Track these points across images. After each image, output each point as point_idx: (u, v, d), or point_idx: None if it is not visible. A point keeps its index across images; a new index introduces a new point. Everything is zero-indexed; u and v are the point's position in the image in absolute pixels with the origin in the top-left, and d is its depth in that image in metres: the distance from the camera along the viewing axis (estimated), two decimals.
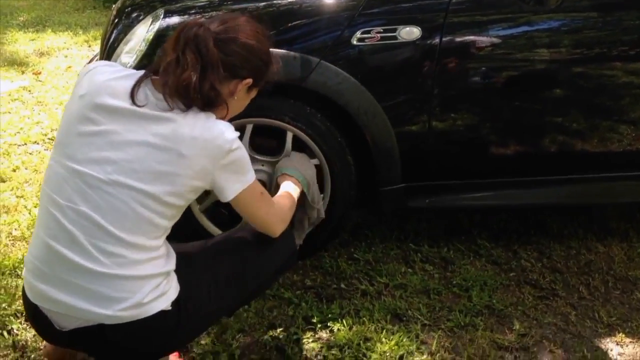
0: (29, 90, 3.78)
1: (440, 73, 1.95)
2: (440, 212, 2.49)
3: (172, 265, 1.38)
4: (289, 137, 1.97)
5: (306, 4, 1.98)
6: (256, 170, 1.95)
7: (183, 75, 1.28)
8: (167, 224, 1.35)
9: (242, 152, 1.36)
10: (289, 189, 1.73)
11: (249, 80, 1.40)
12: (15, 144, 3.05)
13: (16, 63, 4.28)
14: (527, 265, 2.22)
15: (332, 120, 1.98)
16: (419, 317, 1.94)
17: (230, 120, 1.41)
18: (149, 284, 1.30)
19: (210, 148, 1.30)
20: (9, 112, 3.44)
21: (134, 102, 1.29)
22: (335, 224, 2.14)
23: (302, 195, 1.83)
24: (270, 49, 1.46)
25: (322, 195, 2.02)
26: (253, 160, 1.96)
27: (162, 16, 1.98)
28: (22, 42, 4.82)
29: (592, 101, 2.11)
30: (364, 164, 2.07)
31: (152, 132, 1.28)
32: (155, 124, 1.28)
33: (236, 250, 1.55)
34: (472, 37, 1.95)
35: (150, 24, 1.98)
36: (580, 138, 2.15)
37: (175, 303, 1.35)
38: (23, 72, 4.12)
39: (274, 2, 2.01)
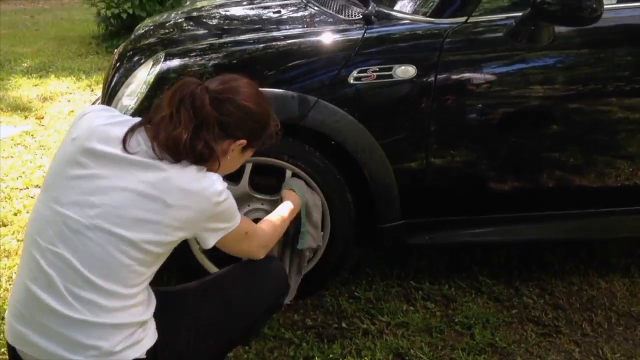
0: (32, 135, 3.82)
1: (437, 110, 1.97)
2: (441, 249, 2.48)
3: (149, 314, 1.36)
4: (288, 175, 1.99)
5: (304, 45, 2.02)
6: (255, 209, 2.01)
7: (174, 132, 1.29)
8: (146, 272, 1.32)
9: (230, 201, 1.37)
10: (284, 210, 1.74)
11: (243, 142, 1.41)
12: (17, 188, 3.06)
13: (19, 108, 4.33)
14: (529, 302, 2.20)
15: (330, 158, 2.00)
16: (422, 356, 1.91)
17: None
18: (121, 333, 1.28)
19: (198, 200, 1.30)
20: (12, 157, 3.47)
21: (125, 149, 1.29)
22: (335, 262, 2.13)
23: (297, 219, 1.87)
24: (271, 114, 1.48)
25: (322, 233, 2.03)
26: (252, 199, 2.00)
27: (162, 59, 2.02)
28: (25, 88, 4.90)
29: (588, 137, 2.13)
30: (363, 201, 2.08)
31: (139, 179, 1.27)
32: (143, 172, 1.28)
33: (220, 292, 1.52)
34: (466, 75, 1.98)
35: (152, 67, 2.02)
36: (578, 173, 2.16)
37: (151, 351, 1.33)
38: (26, 117, 4.17)
39: (273, 43, 2.05)
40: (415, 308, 2.16)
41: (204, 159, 1.33)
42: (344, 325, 2.07)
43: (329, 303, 2.17)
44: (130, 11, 6.16)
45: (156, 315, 1.37)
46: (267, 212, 1.98)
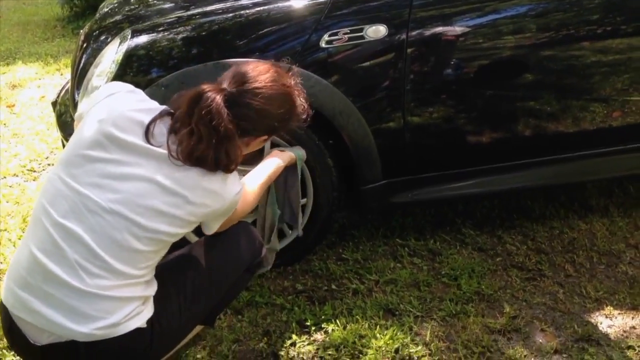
0: (4, 124, 3.76)
1: (410, 68, 1.97)
2: (424, 205, 2.51)
3: (152, 290, 1.40)
4: (267, 144, 1.99)
5: (273, 12, 2.00)
6: None
7: (199, 146, 1.31)
8: (154, 257, 1.38)
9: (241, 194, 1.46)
10: (268, 169, 1.76)
11: (264, 137, 1.49)
12: None
13: None
14: (512, 249, 2.26)
15: (308, 124, 2.00)
16: (411, 309, 1.96)
17: None
18: (127, 307, 1.32)
19: (219, 200, 1.38)
20: None
21: (147, 139, 1.32)
22: (320, 226, 2.15)
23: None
24: (296, 103, 1.49)
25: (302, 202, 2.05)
26: None
27: (129, 36, 1.98)
28: None
29: (562, 82, 2.15)
30: (345, 164, 2.09)
31: (163, 173, 1.31)
32: (167, 166, 1.31)
33: (200, 259, 1.57)
34: (438, 30, 1.98)
35: (119, 45, 1.99)
36: (555, 119, 2.18)
37: (149, 320, 1.37)
38: None
39: (242, 12, 2.02)
40: (402, 264, 2.20)
41: (228, 167, 1.37)
42: (333, 287, 2.10)
43: (317, 267, 2.20)
44: None
45: None
46: None
